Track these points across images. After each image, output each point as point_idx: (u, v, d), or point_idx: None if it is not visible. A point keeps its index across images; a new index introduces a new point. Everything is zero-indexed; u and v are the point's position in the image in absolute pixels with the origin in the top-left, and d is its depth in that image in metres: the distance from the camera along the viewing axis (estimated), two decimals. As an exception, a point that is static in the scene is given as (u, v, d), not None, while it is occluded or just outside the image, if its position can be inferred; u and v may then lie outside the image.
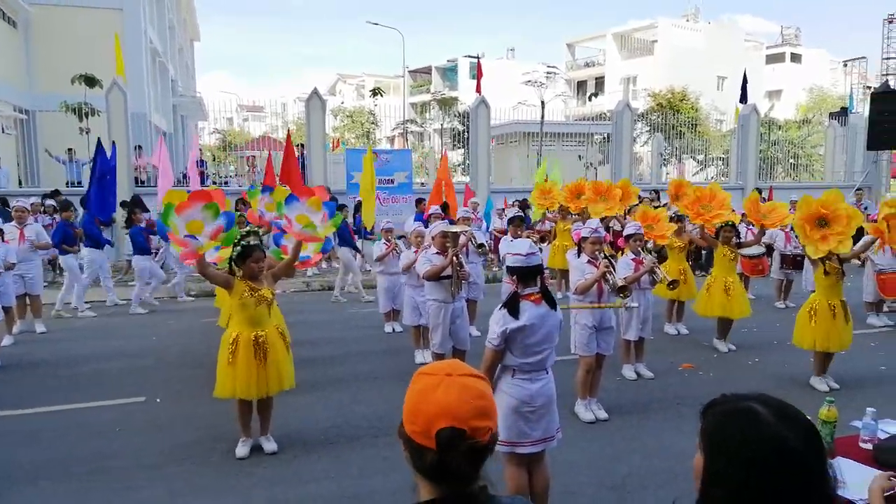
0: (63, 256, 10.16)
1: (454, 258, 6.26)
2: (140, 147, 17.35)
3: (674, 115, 25.68)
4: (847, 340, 6.52)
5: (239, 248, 4.94)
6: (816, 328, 6.45)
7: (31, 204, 11.25)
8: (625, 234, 6.97)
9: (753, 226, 11.23)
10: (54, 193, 13.19)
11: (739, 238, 8.41)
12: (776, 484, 1.23)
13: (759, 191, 15.89)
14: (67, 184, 15.67)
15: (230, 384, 4.89)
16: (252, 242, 5.00)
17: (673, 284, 6.82)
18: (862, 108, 24.25)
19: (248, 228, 6.36)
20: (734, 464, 1.27)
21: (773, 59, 48.90)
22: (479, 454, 1.38)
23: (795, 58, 49.78)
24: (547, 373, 3.79)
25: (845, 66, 38.15)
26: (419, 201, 12.14)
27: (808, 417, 1.31)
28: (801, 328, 6.65)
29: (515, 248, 3.85)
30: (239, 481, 4.66)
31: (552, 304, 3.75)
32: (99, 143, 11.34)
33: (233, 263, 4.97)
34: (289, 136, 13.19)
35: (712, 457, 1.31)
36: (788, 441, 1.24)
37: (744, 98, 20.01)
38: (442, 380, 1.40)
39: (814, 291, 6.81)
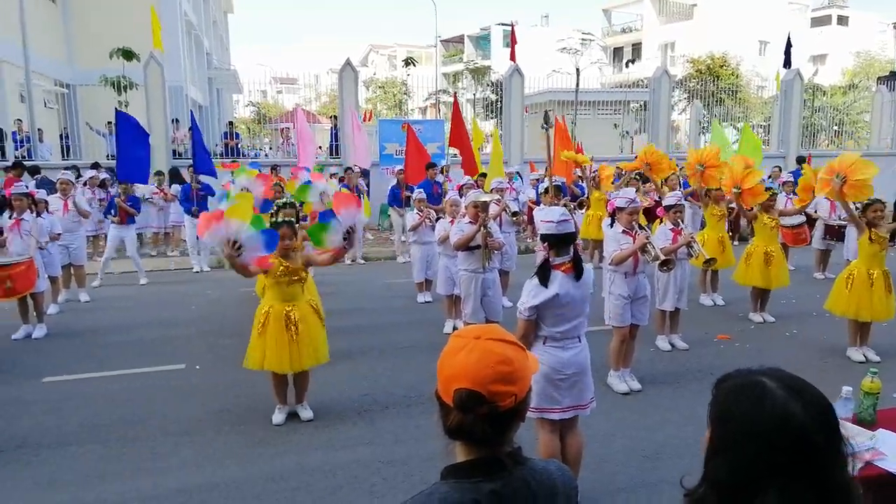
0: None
1: (482, 227, 6.25)
2: (177, 120, 17.59)
3: (713, 81, 24.98)
4: (883, 312, 6.35)
5: (269, 224, 4.98)
6: (851, 295, 6.34)
7: (90, 177, 11.53)
8: (665, 203, 6.86)
9: (795, 194, 10.99)
10: (94, 166, 13.48)
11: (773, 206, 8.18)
12: (779, 459, 1.21)
13: (801, 159, 15.47)
14: (108, 156, 16.00)
15: (259, 356, 4.95)
16: (281, 219, 5.03)
17: (709, 262, 6.73)
18: (913, 72, 23.27)
19: (283, 200, 6.44)
20: (738, 437, 1.25)
21: (818, 21, 47.05)
22: (502, 419, 1.38)
23: (842, 20, 47.78)
24: (580, 341, 3.77)
25: (895, 27, 36.56)
26: (430, 166, 11.66)
27: (823, 395, 1.27)
28: (835, 294, 6.54)
29: (547, 216, 3.80)
30: (273, 448, 4.77)
31: (580, 272, 3.71)
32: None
33: None
34: (455, 99, 12.96)
35: (717, 429, 1.30)
36: (795, 417, 1.21)
37: (787, 63, 19.30)
38: (468, 342, 1.40)
39: (854, 259, 6.67)
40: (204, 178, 11.44)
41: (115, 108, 10.45)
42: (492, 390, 1.34)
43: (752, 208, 7.80)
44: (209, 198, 11.41)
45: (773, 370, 1.32)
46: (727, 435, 1.28)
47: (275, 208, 6.39)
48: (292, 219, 5.29)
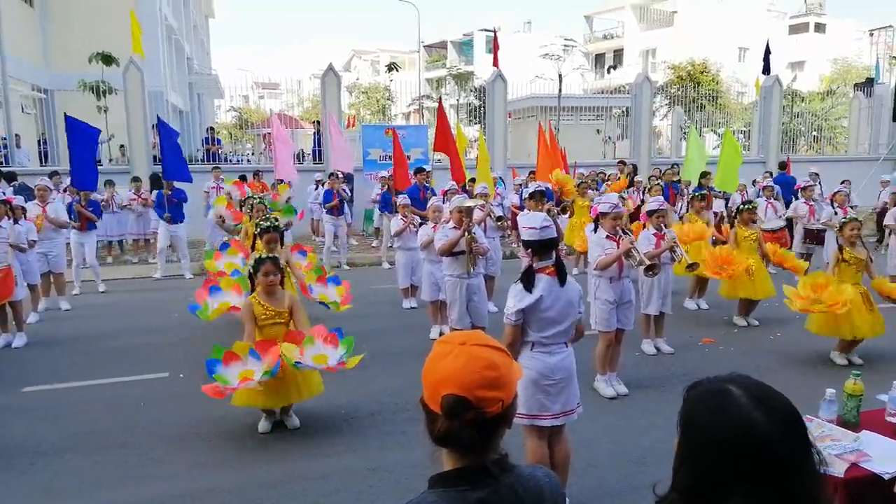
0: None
1: (466, 232, 6.24)
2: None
3: (694, 87, 25.26)
4: (867, 329, 6.29)
5: (253, 262, 4.95)
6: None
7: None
8: (647, 209, 6.90)
9: (775, 200, 11.13)
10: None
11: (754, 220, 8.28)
12: (743, 467, 1.20)
13: (783, 164, 15.67)
14: (87, 162, 15.77)
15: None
16: (265, 255, 4.99)
17: (692, 266, 6.77)
18: (888, 79, 23.70)
19: (267, 223, 6.34)
20: (702, 445, 1.25)
21: (796, 29, 47.73)
22: (489, 425, 1.37)
23: (819, 28, 48.52)
24: (566, 346, 3.77)
25: (871, 35, 37.24)
26: (418, 171, 11.64)
27: (790, 403, 1.27)
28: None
29: (530, 222, 3.79)
30: (261, 455, 4.73)
31: (563, 278, 3.71)
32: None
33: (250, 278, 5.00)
34: (440, 105, 12.83)
35: (683, 437, 1.30)
36: (758, 425, 1.21)
37: (766, 69, 19.58)
38: (454, 348, 1.39)
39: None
40: (178, 184, 11.29)
41: (65, 114, 9.99)
42: (479, 396, 1.33)
43: (739, 212, 7.98)
44: (184, 204, 11.38)
45: (742, 378, 1.31)
46: (692, 442, 1.28)
47: (257, 230, 6.37)
48: (277, 256, 5.23)
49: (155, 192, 12.77)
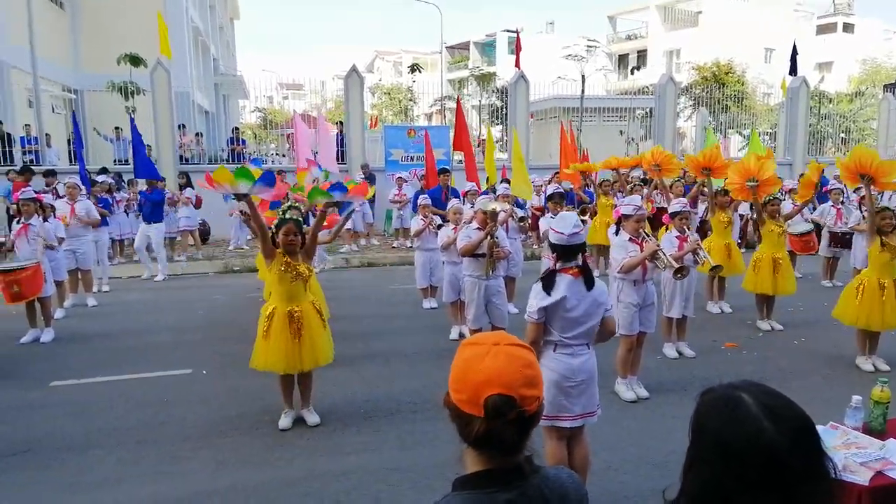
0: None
1: (489, 236, 6.24)
2: (184, 126, 17.66)
3: (719, 88, 24.99)
4: (894, 321, 6.24)
5: (276, 221, 5.01)
6: (861, 304, 6.25)
7: (102, 183, 11.53)
8: (670, 211, 6.84)
9: (794, 200, 10.96)
10: (102, 171, 13.54)
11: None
12: (750, 476, 1.20)
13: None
14: (115, 161, 16.07)
15: (263, 357, 4.98)
16: (287, 217, 5.05)
17: (715, 269, 6.70)
18: (919, 80, 23.19)
19: (289, 203, 6.46)
20: (711, 451, 1.26)
21: (823, 29, 47.00)
22: (527, 423, 1.37)
23: (848, 28, 47.73)
24: (588, 348, 3.76)
25: (902, 35, 36.50)
26: (442, 171, 11.68)
27: (802, 412, 1.26)
28: (844, 302, 6.45)
29: (560, 225, 3.75)
30: (282, 453, 4.76)
31: (590, 283, 3.69)
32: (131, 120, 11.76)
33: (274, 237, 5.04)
34: (459, 104, 12.83)
35: (693, 442, 1.31)
36: (766, 434, 1.20)
37: (793, 70, 19.30)
38: (489, 349, 1.40)
39: (864, 269, 6.61)
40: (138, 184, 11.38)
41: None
42: (521, 394, 1.35)
43: (764, 205, 7.73)
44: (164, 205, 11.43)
45: (754, 385, 1.31)
46: (701, 448, 1.29)
47: (281, 211, 6.45)
48: (299, 218, 5.30)
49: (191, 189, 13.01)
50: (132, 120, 11.96)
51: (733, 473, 1.21)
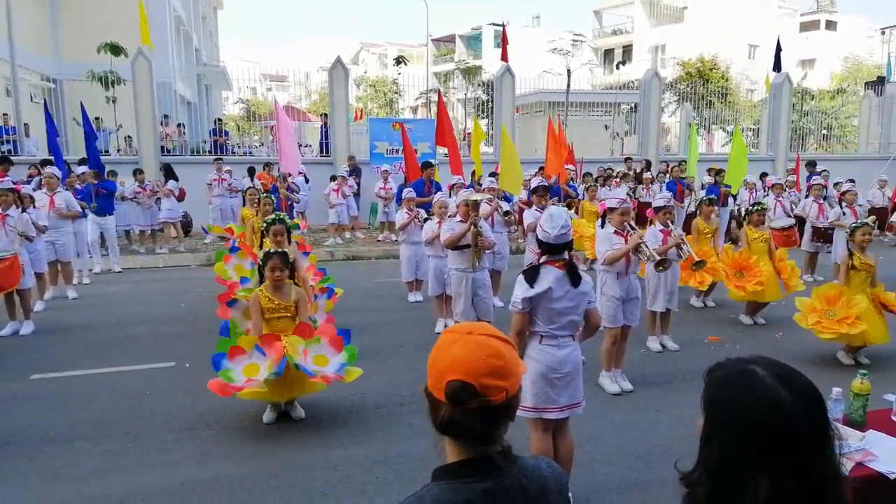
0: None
1: (473, 226, 6.23)
2: (167, 116, 17.45)
3: (703, 84, 25.14)
4: (877, 336, 6.23)
5: (261, 255, 5.01)
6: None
7: (81, 173, 11.28)
8: (654, 205, 6.88)
9: (782, 198, 11.10)
10: (82, 161, 13.34)
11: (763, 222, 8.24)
12: (767, 446, 1.24)
13: (812, 163, 15.53)
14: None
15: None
16: (272, 250, 5.03)
17: (698, 265, 6.74)
18: (900, 77, 23.46)
19: (272, 216, 6.40)
20: (728, 423, 1.29)
21: (807, 26, 47.43)
22: (492, 414, 1.36)
23: (830, 25, 48.20)
24: (573, 339, 3.77)
25: (883, 33, 36.94)
26: (426, 165, 11.60)
27: (811, 381, 1.31)
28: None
29: (548, 224, 3.70)
30: (266, 445, 4.75)
31: (576, 279, 3.68)
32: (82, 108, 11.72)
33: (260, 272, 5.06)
34: (440, 98, 12.65)
35: (709, 416, 1.34)
36: (784, 404, 1.25)
37: (777, 67, 19.45)
38: (461, 337, 1.40)
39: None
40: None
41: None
42: (483, 383, 1.33)
43: (749, 213, 8.05)
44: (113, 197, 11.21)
45: (764, 359, 1.36)
46: (718, 421, 1.31)
47: (264, 225, 6.42)
48: (286, 251, 5.25)
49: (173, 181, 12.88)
50: (83, 109, 11.63)
51: (752, 443, 1.25)
